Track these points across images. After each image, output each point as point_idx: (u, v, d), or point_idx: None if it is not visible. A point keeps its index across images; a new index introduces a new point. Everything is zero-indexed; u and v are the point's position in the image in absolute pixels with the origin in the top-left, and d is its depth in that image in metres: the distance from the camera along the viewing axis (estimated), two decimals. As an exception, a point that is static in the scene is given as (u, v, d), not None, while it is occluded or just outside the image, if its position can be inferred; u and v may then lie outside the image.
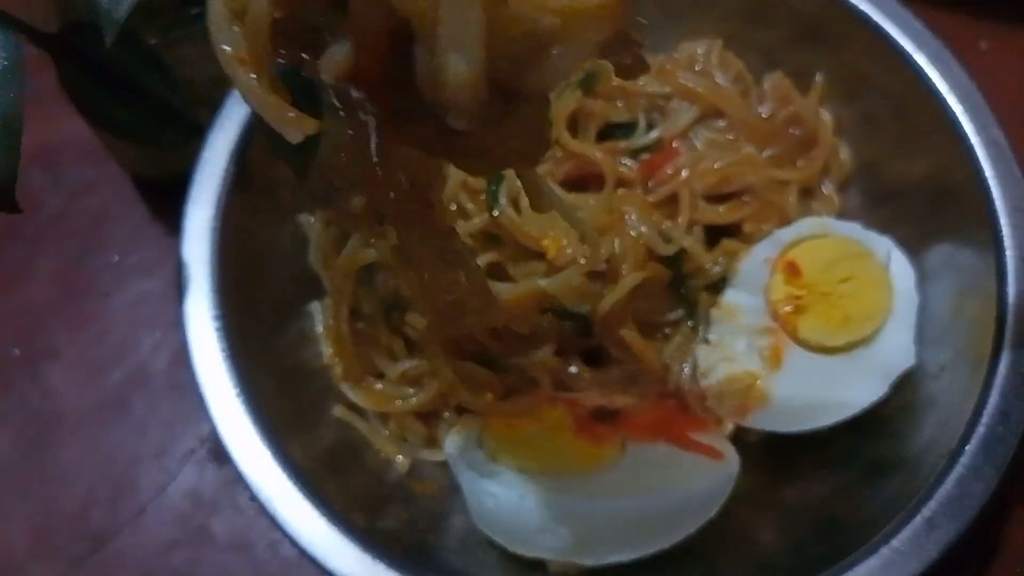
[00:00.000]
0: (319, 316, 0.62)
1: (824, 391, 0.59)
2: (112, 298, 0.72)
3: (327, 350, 0.62)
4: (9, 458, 0.66)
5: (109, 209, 0.75)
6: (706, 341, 0.62)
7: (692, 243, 0.61)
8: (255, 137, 0.57)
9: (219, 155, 0.57)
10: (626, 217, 0.60)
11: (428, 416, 0.62)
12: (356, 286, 0.63)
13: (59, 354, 0.70)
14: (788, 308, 0.61)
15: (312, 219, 0.63)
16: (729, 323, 0.62)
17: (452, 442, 0.59)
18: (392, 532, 0.54)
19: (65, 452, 0.66)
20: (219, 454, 0.65)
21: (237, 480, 0.50)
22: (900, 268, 0.62)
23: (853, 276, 0.61)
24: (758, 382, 0.59)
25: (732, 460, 0.58)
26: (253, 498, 0.49)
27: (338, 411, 0.60)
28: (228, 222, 0.56)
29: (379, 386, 0.62)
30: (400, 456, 0.60)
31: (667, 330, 0.63)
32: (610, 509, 0.53)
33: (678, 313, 0.63)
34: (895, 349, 0.59)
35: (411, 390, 0.61)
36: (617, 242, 0.59)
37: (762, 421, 0.59)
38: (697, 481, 0.56)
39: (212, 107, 0.58)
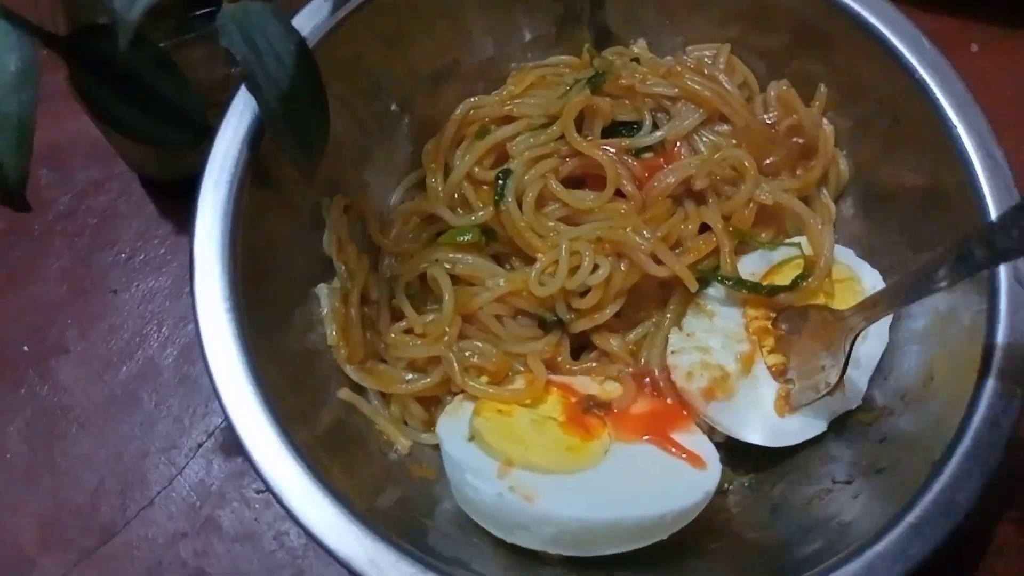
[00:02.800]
0: (325, 298, 0.62)
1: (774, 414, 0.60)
2: (120, 295, 0.73)
3: (331, 332, 0.61)
4: (19, 452, 0.67)
5: (117, 207, 0.76)
6: (678, 327, 0.62)
7: (682, 269, 0.61)
8: (265, 132, 0.57)
9: (231, 145, 0.57)
10: (622, 236, 0.61)
11: (429, 400, 0.62)
12: (368, 272, 0.63)
13: (68, 350, 0.71)
14: (761, 324, 0.61)
15: (330, 202, 0.63)
16: (708, 321, 0.62)
17: (443, 424, 0.59)
18: (390, 513, 0.54)
19: (74, 446, 0.67)
20: (226, 447, 0.66)
21: (245, 471, 0.50)
22: None
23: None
24: (729, 380, 0.59)
25: (713, 472, 0.57)
26: (261, 486, 0.49)
27: (343, 393, 0.60)
28: (239, 211, 0.56)
29: (382, 367, 0.62)
30: (402, 438, 0.61)
31: (641, 314, 0.64)
32: (586, 514, 0.53)
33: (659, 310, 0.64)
34: (845, 389, 0.59)
35: (415, 375, 0.61)
36: (609, 262, 0.60)
37: (719, 414, 0.60)
38: (675, 496, 0.55)
39: (220, 109, 0.58)
